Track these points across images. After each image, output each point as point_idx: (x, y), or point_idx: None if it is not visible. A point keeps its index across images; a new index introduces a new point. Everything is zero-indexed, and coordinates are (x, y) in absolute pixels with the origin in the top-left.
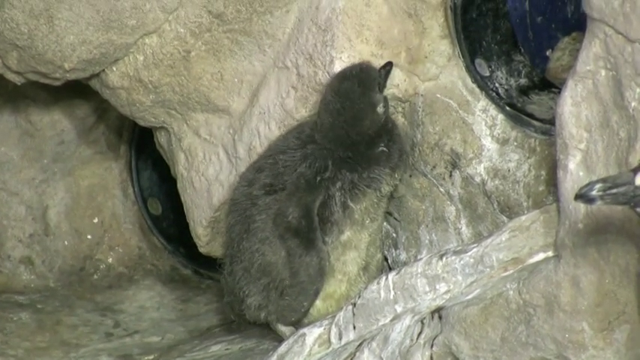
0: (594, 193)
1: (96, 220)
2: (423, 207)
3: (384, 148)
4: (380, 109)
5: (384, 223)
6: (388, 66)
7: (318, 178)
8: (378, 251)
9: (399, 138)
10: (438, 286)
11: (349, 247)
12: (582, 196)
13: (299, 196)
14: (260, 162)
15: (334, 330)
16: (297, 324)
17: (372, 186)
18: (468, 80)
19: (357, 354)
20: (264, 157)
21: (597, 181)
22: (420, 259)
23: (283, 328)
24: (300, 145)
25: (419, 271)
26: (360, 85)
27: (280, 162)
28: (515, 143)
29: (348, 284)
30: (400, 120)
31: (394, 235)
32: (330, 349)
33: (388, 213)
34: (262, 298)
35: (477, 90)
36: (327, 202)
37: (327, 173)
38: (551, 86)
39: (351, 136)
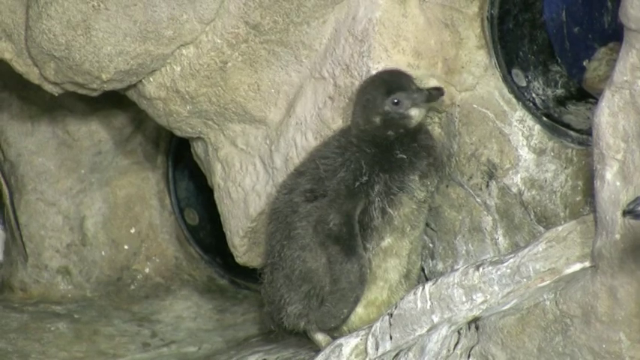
0: None
1: (133, 231)
2: (460, 217)
3: (403, 155)
4: (397, 113)
5: None
6: (438, 91)
7: (357, 184)
8: (419, 259)
9: (431, 149)
10: (474, 297)
11: (390, 254)
12: (631, 212)
13: (340, 203)
14: (301, 168)
15: (371, 340)
16: (336, 331)
17: (405, 190)
18: (505, 90)
19: None
20: (305, 163)
21: None
22: (457, 269)
23: (319, 338)
24: (341, 151)
25: (455, 281)
26: (380, 81)
27: (322, 167)
28: (552, 153)
29: (389, 291)
30: (437, 130)
31: (431, 245)
32: (367, 359)
33: (425, 223)
34: (303, 307)
35: (514, 100)
36: (367, 209)
37: (365, 177)
38: (588, 96)
39: (364, 127)
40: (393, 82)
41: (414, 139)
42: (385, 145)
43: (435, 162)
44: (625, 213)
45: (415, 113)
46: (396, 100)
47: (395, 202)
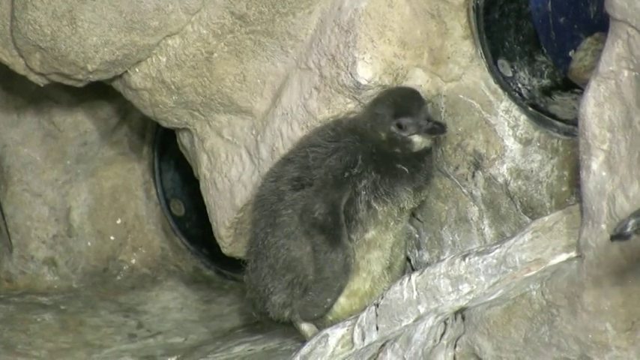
0: (629, 230)
1: (119, 221)
2: (446, 208)
3: (404, 168)
4: (399, 135)
5: (408, 224)
6: (441, 127)
7: (347, 174)
8: (402, 252)
9: (430, 169)
10: (460, 287)
11: (374, 246)
12: (619, 236)
13: (326, 193)
14: (290, 155)
15: (357, 331)
16: (319, 320)
17: (392, 198)
18: (491, 81)
19: (380, 355)
20: (295, 150)
21: (630, 218)
22: (443, 259)
23: (305, 328)
24: (335, 139)
25: (442, 271)
26: (391, 100)
27: (311, 155)
28: (538, 144)
29: (372, 283)
30: None
31: (417, 235)
32: (353, 349)
33: (411, 214)
34: (287, 296)
35: (500, 90)
36: (353, 200)
37: (356, 169)
38: (573, 87)
39: (371, 134)
40: (402, 105)
41: (421, 158)
42: (388, 154)
43: (430, 177)
44: (613, 238)
45: (418, 140)
46: (401, 124)
47: (378, 201)
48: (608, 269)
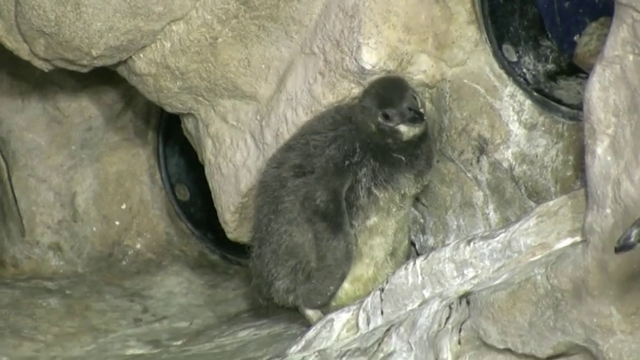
0: (633, 240)
1: (124, 207)
2: (451, 192)
3: (401, 157)
4: (387, 126)
5: (412, 209)
6: (419, 116)
7: (347, 162)
8: (405, 238)
9: (430, 153)
10: (465, 272)
11: (376, 233)
12: (623, 248)
13: (327, 180)
14: (291, 142)
15: (362, 315)
16: (324, 307)
17: (392, 185)
18: (496, 66)
19: (385, 339)
20: (296, 138)
21: (632, 228)
22: (448, 244)
23: (310, 313)
24: (335, 127)
25: (447, 256)
26: (375, 92)
27: (312, 142)
28: (543, 128)
29: (375, 268)
30: (428, 105)
31: (422, 220)
32: (358, 334)
33: (416, 198)
34: (290, 281)
35: (505, 75)
36: (354, 187)
37: (356, 157)
38: (578, 71)
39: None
40: (384, 96)
41: (416, 145)
42: (383, 144)
43: (430, 161)
44: (617, 250)
45: (404, 129)
46: (387, 115)
47: (380, 186)
48: (613, 253)
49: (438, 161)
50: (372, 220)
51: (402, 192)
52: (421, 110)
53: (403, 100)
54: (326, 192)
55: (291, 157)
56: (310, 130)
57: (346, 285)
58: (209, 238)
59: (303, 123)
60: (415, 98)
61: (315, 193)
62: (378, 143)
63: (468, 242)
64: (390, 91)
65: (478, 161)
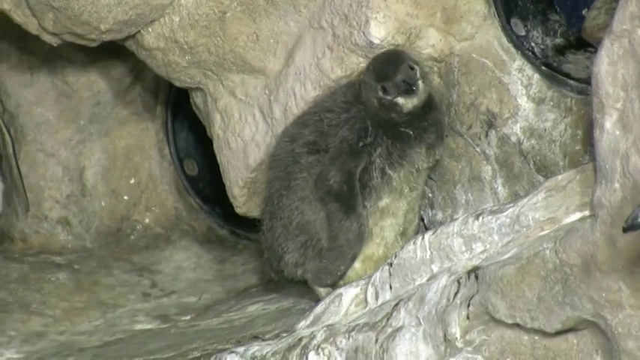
0: None
1: (132, 181)
2: (459, 167)
3: (408, 130)
4: (387, 100)
5: None
6: (409, 88)
7: (361, 144)
8: (416, 217)
9: (439, 124)
10: (474, 246)
11: (387, 214)
12: (631, 227)
13: (342, 161)
14: (304, 117)
15: (371, 290)
16: (333, 286)
17: (407, 161)
18: (504, 40)
19: (394, 314)
20: (310, 113)
21: (639, 209)
22: (456, 218)
23: (319, 288)
24: (347, 106)
25: (455, 230)
26: (372, 67)
27: (325, 120)
28: (552, 103)
29: (385, 248)
30: (436, 80)
31: (430, 195)
32: (367, 309)
33: (424, 185)
34: (300, 256)
35: (513, 49)
36: (367, 167)
37: (370, 138)
38: (587, 45)
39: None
40: (380, 70)
41: (422, 117)
42: (388, 119)
43: (441, 134)
44: (626, 229)
45: (402, 102)
46: (385, 88)
47: (394, 166)
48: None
49: (446, 136)
50: (384, 201)
51: (416, 166)
52: (418, 82)
53: (397, 72)
54: (340, 173)
55: (305, 134)
56: (323, 107)
57: (357, 264)
58: (217, 213)
59: (315, 98)
60: (412, 69)
61: (329, 173)
62: (385, 119)
63: (477, 217)
64: (385, 64)
65: (486, 135)
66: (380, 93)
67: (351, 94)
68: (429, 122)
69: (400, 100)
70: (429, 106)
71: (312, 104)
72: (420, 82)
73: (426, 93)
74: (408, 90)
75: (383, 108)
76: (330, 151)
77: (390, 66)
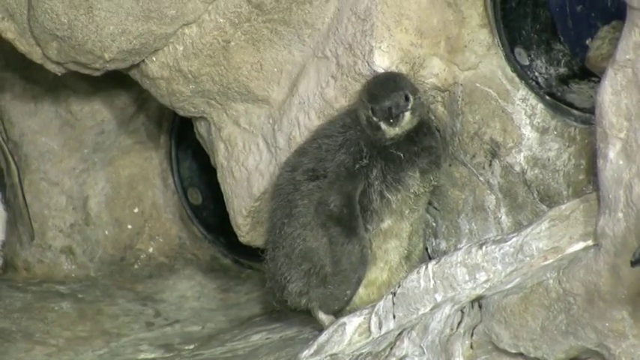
0: None
1: (136, 210)
2: (463, 196)
3: (399, 153)
4: (376, 124)
5: (424, 213)
6: (389, 112)
7: (357, 166)
8: (420, 241)
9: (432, 149)
10: (477, 275)
11: (390, 236)
12: (639, 261)
13: (340, 184)
14: (304, 146)
15: (374, 319)
16: (340, 312)
17: (402, 185)
18: (508, 69)
19: (397, 343)
20: (309, 141)
21: None
22: (460, 248)
23: (323, 317)
24: (344, 130)
25: (459, 260)
26: (366, 88)
27: (324, 146)
28: (555, 132)
29: (389, 272)
30: (440, 109)
31: (434, 224)
32: (370, 338)
33: (428, 202)
34: (303, 285)
35: (517, 79)
36: (366, 191)
37: (365, 160)
38: (590, 75)
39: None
40: (373, 92)
41: (413, 141)
42: (377, 139)
43: (436, 160)
44: (633, 264)
45: (384, 127)
46: (373, 109)
47: (391, 189)
48: (625, 258)
49: (450, 165)
50: (387, 223)
51: (412, 191)
52: (406, 112)
53: (387, 98)
54: (339, 196)
55: (304, 162)
56: (322, 134)
57: (361, 289)
58: (221, 242)
59: (317, 126)
60: (407, 99)
61: (329, 197)
62: (374, 139)
63: (480, 246)
64: (379, 86)
65: (490, 165)
66: (369, 112)
67: (350, 120)
68: (420, 147)
69: (383, 125)
70: (421, 131)
71: (313, 133)
72: (407, 114)
73: (412, 124)
74: (391, 119)
75: (370, 127)
76: (329, 175)
77: (383, 90)
